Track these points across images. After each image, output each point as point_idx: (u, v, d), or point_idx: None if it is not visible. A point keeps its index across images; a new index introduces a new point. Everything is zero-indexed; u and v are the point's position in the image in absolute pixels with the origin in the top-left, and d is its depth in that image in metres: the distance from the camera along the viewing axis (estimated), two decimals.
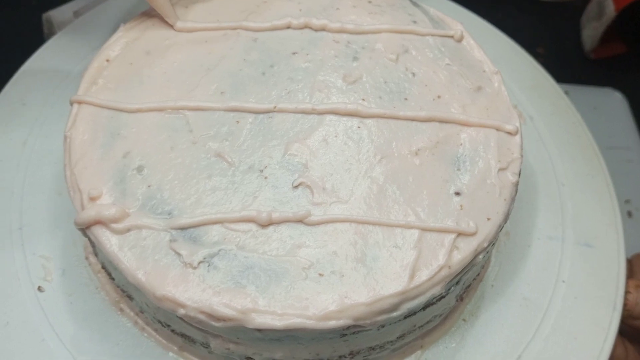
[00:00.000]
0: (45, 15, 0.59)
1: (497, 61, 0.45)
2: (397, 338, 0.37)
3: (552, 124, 0.52)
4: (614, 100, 0.66)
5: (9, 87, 0.50)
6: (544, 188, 0.49)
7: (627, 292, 0.42)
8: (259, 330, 0.32)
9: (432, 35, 0.44)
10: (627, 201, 0.58)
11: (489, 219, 0.36)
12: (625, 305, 0.42)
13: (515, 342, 0.41)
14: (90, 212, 0.34)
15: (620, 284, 0.44)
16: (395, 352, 0.39)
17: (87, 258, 0.42)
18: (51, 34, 0.58)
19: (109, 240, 0.34)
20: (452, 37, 0.44)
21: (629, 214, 0.57)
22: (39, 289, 0.41)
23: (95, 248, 0.38)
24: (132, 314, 0.40)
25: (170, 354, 0.39)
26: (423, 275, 0.34)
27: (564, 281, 0.44)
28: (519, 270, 0.44)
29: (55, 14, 0.59)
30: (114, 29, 0.43)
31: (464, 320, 0.42)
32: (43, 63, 0.52)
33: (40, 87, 0.50)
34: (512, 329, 0.42)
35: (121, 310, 0.40)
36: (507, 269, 0.44)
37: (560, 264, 0.45)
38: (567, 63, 0.71)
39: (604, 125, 0.63)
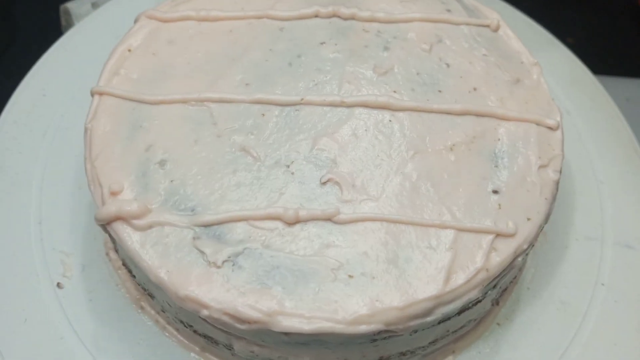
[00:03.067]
0: (62, 7, 0.58)
1: (532, 53, 0.42)
2: (429, 343, 0.35)
3: (590, 119, 0.50)
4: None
5: (29, 77, 0.49)
6: (582, 186, 0.46)
7: None
8: (286, 333, 0.31)
9: (467, 24, 0.42)
10: None
11: (529, 219, 0.34)
12: None
13: (552, 347, 0.39)
14: (111, 208, 0.33)
15: None
16: (427, 357, 0.37)
17: (107, 254, 0.41)
18: (69, 25, 0.57)
19: (130, 237, 0.33)
20: (488, 26, 0.42)
21: None
22: (58, 285, 0.40)
23: (116, 244, 0.36)
24: (153, 312, 0.39)
25: (192, 354, 0.38)
26: (459, 279, 0.32)
27: (603, 284, 0.42)
28: (556, 273, 0.42)
29: (73, 6, 0.57)
30: (133, 20, 0.42)
31: (498, 324, 0.40)
32: (64, 54, 0.51)
33: (60, 78, 0.49)
34: (548, 334, 0.40)
35: (142, 308, 0.39)
36: (544, 271, 0.42)
37: (599, 266, 0.43)
38: (597, 54, 0.68)
39: (637, 118, 0.60)
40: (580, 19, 0.70)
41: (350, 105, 0.38)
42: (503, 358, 0.39)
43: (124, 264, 0.38)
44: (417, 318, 0.31)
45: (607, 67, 0.65)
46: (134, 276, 0.37)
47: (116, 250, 0.39)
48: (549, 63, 0.52)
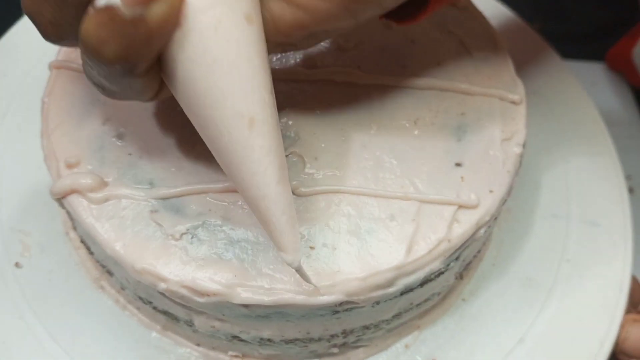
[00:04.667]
0: None
1: (500, 34, 0.42)
2: (393, 317, 0.35)
3: (557, 99, 0.50)
4: (612, 76, 0.65)
5: None
6: (548, 165, 0.46)
7: (621, 326, 0.40)
8: (246, 305, 0.30)
9: None
10: (628, 177, 0.56)
11: (491, 192, 0.34)
12: (617, 339, 0.39)
13: (518, 322, 0.39)
14: (66, 181, 0.32)
15: (626, 263, 0.42)
16: (391, 332, 0.37)
17: (67, 234, 0.40)
18: None
19: (85, 211, 0.32)
20: (454, 3, 0.42)
21: (631, 190, 0.55)
22: (17, 265, 0.39)
23: (73, 221, 0.36)
24: (113, 291, 0.38)
25: (154, 333, 0.37)
26: (421, 249, 0.32)
27: (568, 260, 0.42)
28: (521, 249, 0.42)
29: None
30: None
31: (463, 300, 0.40)
32: (25, 34, 0.49)
33: (21, 58, 0.48)
34: (514, 310, 0.40)
35: (102, 287, 0.38)
36: (510, 248, 0.42)
37: (564, 243, 0.43)
38: (564, 39, 0.68)
39: (603, 101, 0.61)
40: (547, 6, 0.71)
41: (315, 80, 0.37)
42: (469, 333, 0.39)
43: (82, 241, 0.37)
44: (379, 289, 0.31)
45: (573, 51, 0.66)
46: (92, 253, 0.36)
47: (74, 228, 0.38)
48: (516, 46, 0.52)
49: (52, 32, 0.26)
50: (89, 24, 0.24)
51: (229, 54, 0.25)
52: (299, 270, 0.28)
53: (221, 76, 0.25)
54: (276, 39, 0.28)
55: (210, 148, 0.27)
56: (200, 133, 0.27)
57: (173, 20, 0.24)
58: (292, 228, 0.27)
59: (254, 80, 0.26)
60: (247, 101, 0.25)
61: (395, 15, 0.30)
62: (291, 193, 0.27)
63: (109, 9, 0.23)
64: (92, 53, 0.25)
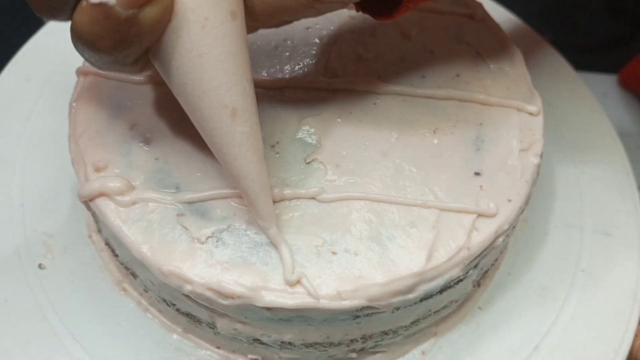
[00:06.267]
0: None
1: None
2: (411, 323, 0.36)
3: (571, 111, 0.51)
4: (623, 87, 0.65)
5: (13, 62, 0.49)
6: (562, 175, 0.47)
7: (635, 336, 0.40)
8: (269, 309, 0.31)
9: (452, 13, 0.43)
10: None
11: (509, 201, 0.35)
12: (632, 348, 0.40)
13: (533, 331, 0.40)
14: (94, 184, 0.33)
15: None
16: (409, 338, 0.38)
17: (90, 236, 0.41)
18: None
19: (113, 214, 0.32)
20: (471, 15, 0.43)
21: None
22: (40, 266, 0.39)
23: (99, 223, 0.36)
24: (135, 294, 0.39)
25: (175, 335, 0.38)
26: (441, 257, 0.32)
27: (583, 270, 0.42)
28: (536, 259, 0.43)
29: None
30: None
31: (479, 308, 0.40)
32: (49, 39, 0.50)
33: (45, 63, 0.49)
34: (529, 318, 0.40)
35: (124, 290, 0.39)
36: (525, 257, 0.43)
37: (579, 253, 0.43)
38: (575, 51, 0.69)
39: (615, 113, 0.62)
40: (557, 17, 0.72)
41: (336, 89, 0.38)
42: (484, 341, 0.39)
43: (107, 244, 0.38)
44: (400, 294, 0.31)
45: (584, 63, 0.67)
46: (116, 256, 0.37)
47: (99, 231, 0.39)
48: (530, 57, 0.53)
49: (43, 10, 0.27)
50: (83, 17, 0.25)
51: (215, 49, 0.27)
52: (272, 235, 0.31)
53: (207, 70, 0.27)
54: (252, 24, 0.31)
55: (198, 130, 0.30)
56: (189, 116, 0.30)
57: (164, 21, 0.26)
58: (268, 201, 0.31)
59: (236, 73, 0.28)
60: (230, 93, 0.28)
61: (371, 8, 0.32)
62: (267, 171, 0.31)
63: (103, 6, 0.25)
64: (84, 44, 0.26)
